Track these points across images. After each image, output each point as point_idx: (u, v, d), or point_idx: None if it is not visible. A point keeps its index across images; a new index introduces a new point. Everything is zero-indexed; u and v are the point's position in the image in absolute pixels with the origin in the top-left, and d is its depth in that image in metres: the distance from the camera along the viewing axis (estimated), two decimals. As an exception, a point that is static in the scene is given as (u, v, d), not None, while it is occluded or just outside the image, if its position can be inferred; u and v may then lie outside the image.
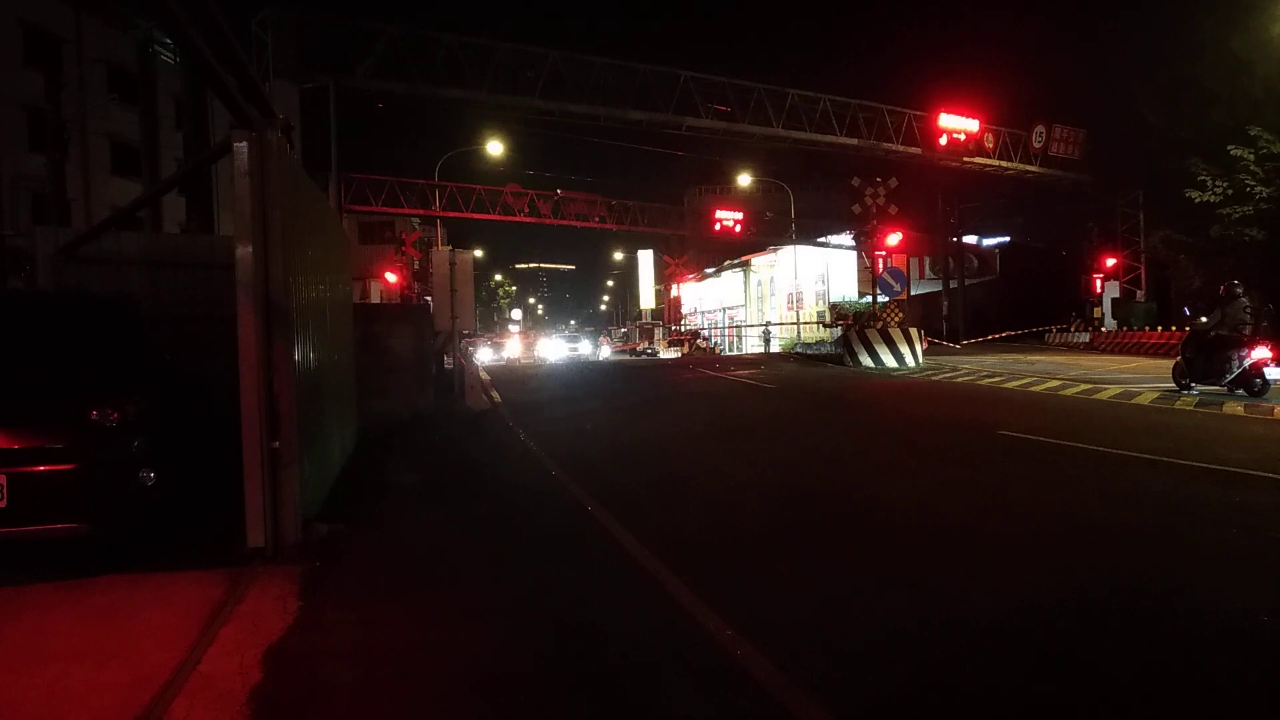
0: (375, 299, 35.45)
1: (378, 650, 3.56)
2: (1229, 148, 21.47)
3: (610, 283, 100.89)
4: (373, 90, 23.50)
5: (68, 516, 4.41)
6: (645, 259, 70.21)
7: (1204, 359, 12.16)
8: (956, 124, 30.70)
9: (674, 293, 62.23)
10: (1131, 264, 34.03)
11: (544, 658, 3.53)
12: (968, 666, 3.32)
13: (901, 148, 30.31)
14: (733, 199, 48.63)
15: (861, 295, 38.14)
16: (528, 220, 35.27)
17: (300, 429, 5.01)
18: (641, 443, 9.98)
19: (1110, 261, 33.62)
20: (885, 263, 23.62)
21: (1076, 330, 31.29)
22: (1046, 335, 32.94)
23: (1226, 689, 3.12)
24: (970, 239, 42.26)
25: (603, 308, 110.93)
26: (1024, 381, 15.22)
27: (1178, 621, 3.76)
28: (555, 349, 41.51)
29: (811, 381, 17.21)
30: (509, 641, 3.71)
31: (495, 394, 15.88)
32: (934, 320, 39.20)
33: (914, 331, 21.40)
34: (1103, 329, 30.14)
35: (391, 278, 27.93)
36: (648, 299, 70.42)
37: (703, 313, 65.44)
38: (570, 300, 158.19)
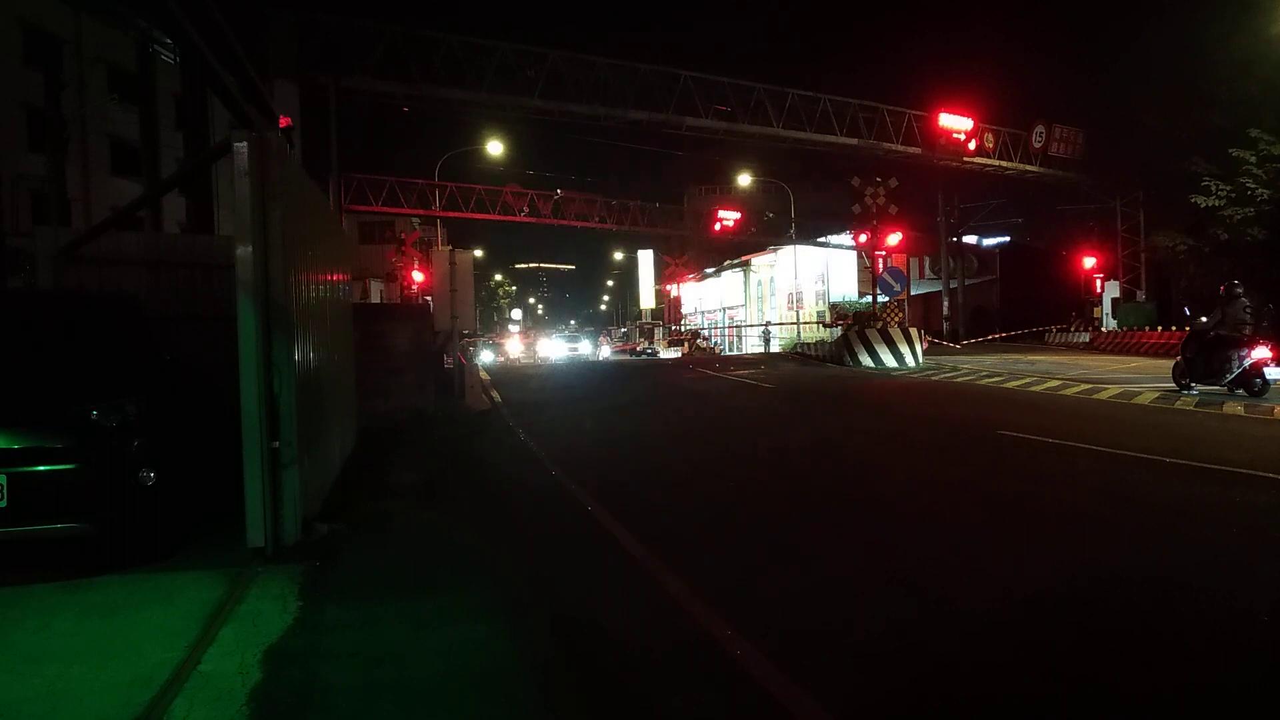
0: (375, 299, 35.47)
1: (378, 650, 3.56)
2: (1230, 151, 21.45)
3: (610, 283, 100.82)
4: (373, 90, 23.51)
5: (68, 516, 4.41)
6: (645, 259, 70.20)
7: (1204, 359, 12.16)
8: (956, 124, 30.72)
9: (674, 293, 62.22)
10: (1132, 264, 34.04)
11: (544, 658, 3.54)
12: (965, 662, 3.32)
13: (901, 148, 30.32)
14: (733, 199, 48.58)
15: (861, 295, 38.15)
16: (528, 220, 35.29)
17: (300, 429, 5.01)
18: (641, 442, 9.98)
19: (1110, 261, 33.63)
20: (885, 263, 23.63)
21: (1076, 330, 31.32)
22: (1046, 335, 32.97)
23: (1225, 688, 3.11)
24: (970, 239, 42.28)
25: (603, 308, 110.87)
26: (1024, 381, 15.23)
27: (1176, 621, 3.76)
28: (555, 349, 41.51)
29: (811, 381, 17.22)
30: (509, 641, 3.71)
31: (495, 394, 15.89)
32: (934, 320, 39.23)
33: (914, 331, 21.41)
34: (1103, 329, 30.16)
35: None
36: (648, 299, 70.41)
37: (703, 313, 65.43)
38: (570, 300, 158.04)
